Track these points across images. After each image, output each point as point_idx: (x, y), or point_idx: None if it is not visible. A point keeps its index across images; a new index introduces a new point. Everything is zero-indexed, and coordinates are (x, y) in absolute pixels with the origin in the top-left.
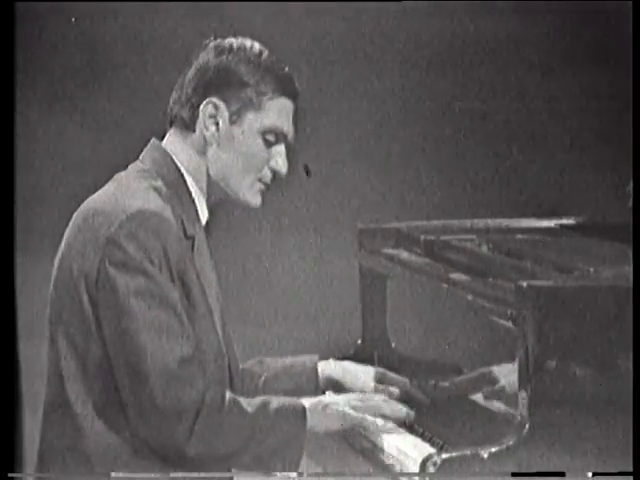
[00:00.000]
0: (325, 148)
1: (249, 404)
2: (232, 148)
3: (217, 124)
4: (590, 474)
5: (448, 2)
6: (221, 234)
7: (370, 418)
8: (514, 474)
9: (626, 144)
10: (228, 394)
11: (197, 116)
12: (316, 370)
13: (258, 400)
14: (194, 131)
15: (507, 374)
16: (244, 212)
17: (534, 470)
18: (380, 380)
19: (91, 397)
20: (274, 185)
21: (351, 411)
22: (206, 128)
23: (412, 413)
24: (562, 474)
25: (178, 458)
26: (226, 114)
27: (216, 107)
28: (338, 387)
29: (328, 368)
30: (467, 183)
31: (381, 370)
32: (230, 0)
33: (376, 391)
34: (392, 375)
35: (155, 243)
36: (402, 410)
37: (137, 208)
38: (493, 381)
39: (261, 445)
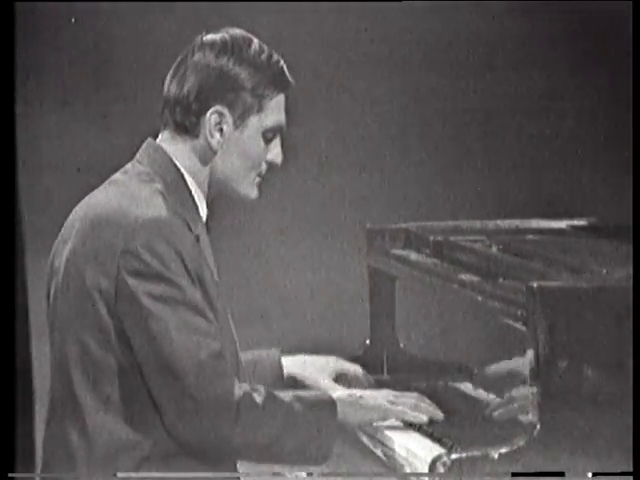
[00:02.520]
0: (331, 148)
1: (284, 395)
2: (236, 151)
3: (221, 130)
4: (590, 474)
5: (448, 2)
6: (224, 234)
7: (411, 412)
8: (514, 474)
9: (627, 144)
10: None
11: (200, 123)
12: (281, 367)
13: (290, 393)
14: (196, 136)
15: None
16: (252, 213)
17: (542, 470)
18: (337, 374)
19: (104, 405)
20: (283, 186)
21: (388, 404)
22: (211, 135)
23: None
24: (562, 474)
25: (222, 449)
26: (230, 120)
27: (221, 114)
28: (300, 385)
29: (287, 365)
30: (472, 183)
31: (333, 362)
32: (229, 0)
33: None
34: (346, 364)
35: (170, 249)
36: (438, 413)
37: (148, 217)
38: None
39: (294, 437)
